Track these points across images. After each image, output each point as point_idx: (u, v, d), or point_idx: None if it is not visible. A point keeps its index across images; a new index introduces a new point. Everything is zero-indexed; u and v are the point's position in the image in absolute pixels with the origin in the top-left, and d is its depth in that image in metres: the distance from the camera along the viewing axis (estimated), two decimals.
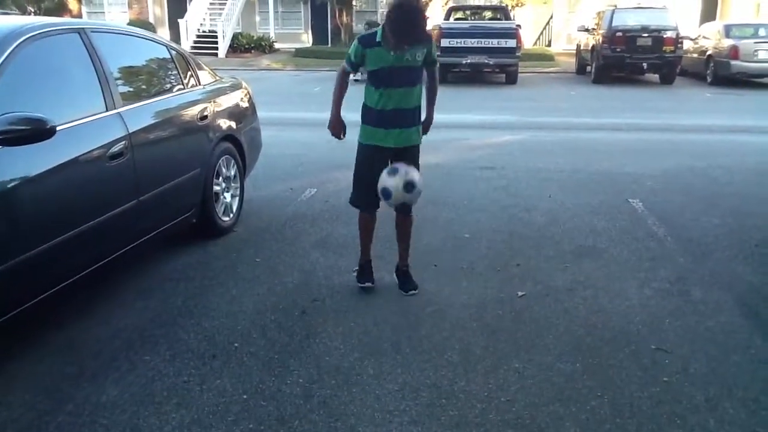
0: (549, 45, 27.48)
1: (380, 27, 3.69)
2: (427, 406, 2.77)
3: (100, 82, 3.68)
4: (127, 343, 3.27)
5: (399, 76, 3.68)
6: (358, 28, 26.49)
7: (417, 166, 3.83)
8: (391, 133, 3.76)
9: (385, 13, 3.63)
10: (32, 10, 23.19)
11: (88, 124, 3.51)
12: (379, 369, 3.05)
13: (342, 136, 4.01)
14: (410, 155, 3.83)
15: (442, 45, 15.96)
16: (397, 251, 4.06)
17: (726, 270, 4.32)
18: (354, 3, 26.60)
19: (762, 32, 16.97)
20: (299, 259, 4.45)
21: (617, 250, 4.68)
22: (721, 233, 5.05)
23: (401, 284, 3.99)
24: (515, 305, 3.76)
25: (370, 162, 3.81)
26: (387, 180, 3.64)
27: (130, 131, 3.74)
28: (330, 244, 4.75)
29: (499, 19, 18.80)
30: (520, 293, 3.92)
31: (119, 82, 3.92)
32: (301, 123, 10.63)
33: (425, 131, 4.03)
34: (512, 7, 22.54)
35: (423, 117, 4.00)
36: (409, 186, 3.64)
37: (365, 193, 3.87)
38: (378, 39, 3.64)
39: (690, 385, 2.94)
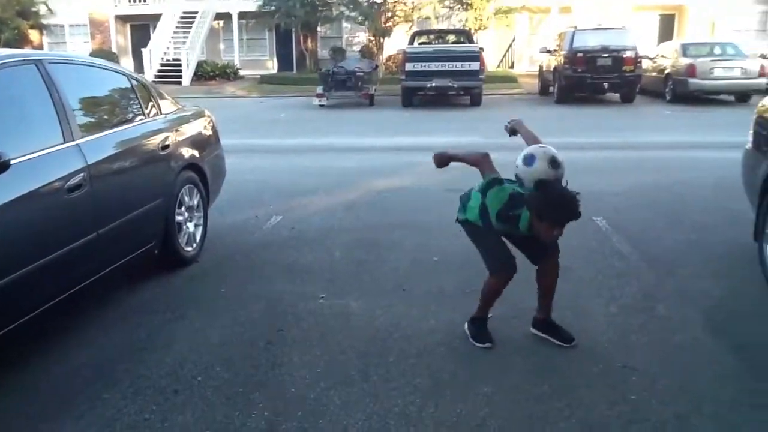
0: (512, 67, 27.87)
1: (526, 217, 3.18)
2: None
3: (57, 113, 3.62)
4: (86, 381, 3.17)
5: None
6: (323, 53, 26.67)
7: None
8: None
9: (535, 204, 3.13)
10: None
11: (45, 157, 3.44)
12: (346, 398, 3.00)
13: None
14: None
15: (406, 69, 16.12)
16: (539, 304, 3.66)
17: (691, 286, 4.36)
18: (319, 29, 26.74)
19: (717, 51, 17.45)
20: (265, 288, 4.39)
21: (583, 268, 4.70)
22: (684, 249, 5.10)
23: (560, 337, 3.54)
24: None
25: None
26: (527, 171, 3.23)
27: (89, 163, 3.67)
28: (296, 272, 4.70)
29: (462, 43, 19.04)
30: (488, 315, 3.89)
31: (78, 113, 3.87)
32: (266, 149, 10.59)
33: None
34: (475, 30, 22.83)
35: None
36: (554, 163, 3.23)
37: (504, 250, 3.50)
38: (522, 229, 3.26)
39: (658, 402, 2.94)
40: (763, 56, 18.29)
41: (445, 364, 3.31)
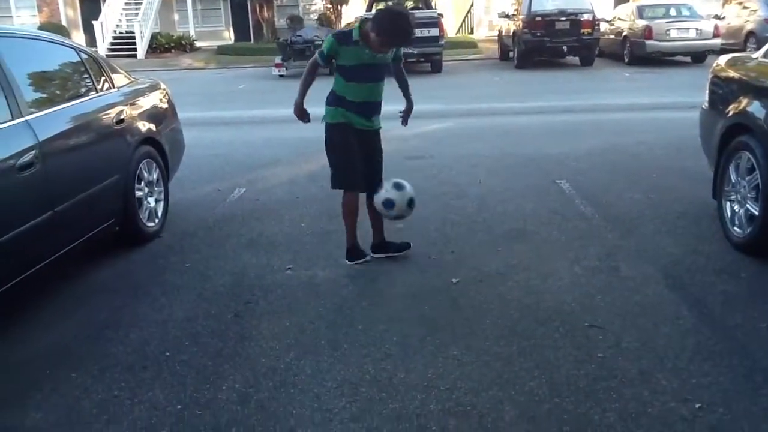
0: (472, 32, 27.78)
1: (357, 27, 3.85)
2: (367, 401, 2.74)
3: (3, 89, 3.48)
4: (50, 363, 3.11)
5: (370, 72, 3.92)
6: (281, 23, 26.21)
7: (380, 148, 4.20)
8: (358, 119, 4.02)
9: (374, 19, 3.77)
10: None
11: None
12: (316, 367, 3.00)
13: (306, 120, 4.12)
14: (376, 138, 4.16)
15: None
16: (372, 232, 4.32)
17: (651, 244, 4.43)
18: None
19: (673, 12, 17.57)
20: (230, 261, 4.35)
21: (547, 231, 4.75)
22: (644, 208, 5.18)
23: (393, 249, 4.29)
24: (451, 293, 3.76)
25: (345, 137, 4.00)
26: (392, 193, 4.03)
27: (40, 139, 3.56)
28: (261, 244, 4.66)
29: (420, 9, 18.86)
30: (454, 280, 3.92)
31: (26, 89, 3.73)
32: (226, 122, 10.42)
33: (406, 118, 4.43)
34: None
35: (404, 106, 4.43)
36: (412, 203, 4.10)
37: (351, 171, 4.03)
38: (355, 38, 3.82)
39: (623, 359, 3.00)
40: (716, 17, 18.52)
41: (414, 330, 3.32)
